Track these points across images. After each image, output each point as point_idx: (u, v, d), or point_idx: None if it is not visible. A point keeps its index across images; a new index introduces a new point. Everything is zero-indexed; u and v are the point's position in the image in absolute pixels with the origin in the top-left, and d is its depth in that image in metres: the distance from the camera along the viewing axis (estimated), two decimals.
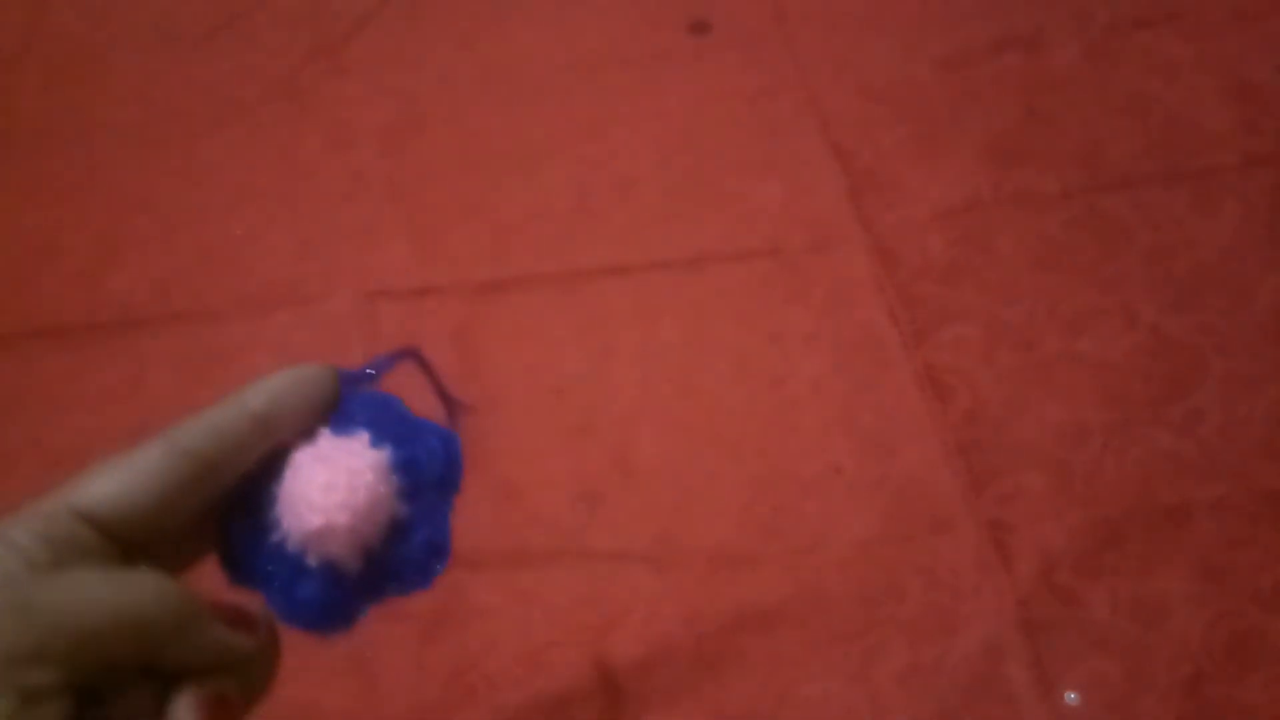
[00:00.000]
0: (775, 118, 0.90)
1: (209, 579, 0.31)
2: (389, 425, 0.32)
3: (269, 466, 0.31)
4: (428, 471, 0.32)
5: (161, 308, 0.82)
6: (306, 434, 0.31)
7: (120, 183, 0.90)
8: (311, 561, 0.30)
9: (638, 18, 0.98)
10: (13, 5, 1.03)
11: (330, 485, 0.30)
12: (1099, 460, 0.71)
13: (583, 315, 0.80)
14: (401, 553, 0.31)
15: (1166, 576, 0.66)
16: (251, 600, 0.31)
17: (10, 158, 0.92)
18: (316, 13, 1.00)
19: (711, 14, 0.97)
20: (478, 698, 0.63)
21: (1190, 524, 0.68)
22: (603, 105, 0.92)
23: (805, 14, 0.97)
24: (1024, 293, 0.78)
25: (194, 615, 0.28)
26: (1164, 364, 0.74)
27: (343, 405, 0.33)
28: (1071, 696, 0.62)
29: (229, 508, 0.31)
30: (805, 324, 0.78)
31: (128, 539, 0.28)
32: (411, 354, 0.35)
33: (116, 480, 0.29)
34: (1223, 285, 0.78)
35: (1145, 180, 0.84)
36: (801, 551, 0.68)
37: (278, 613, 0.31)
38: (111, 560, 0.28)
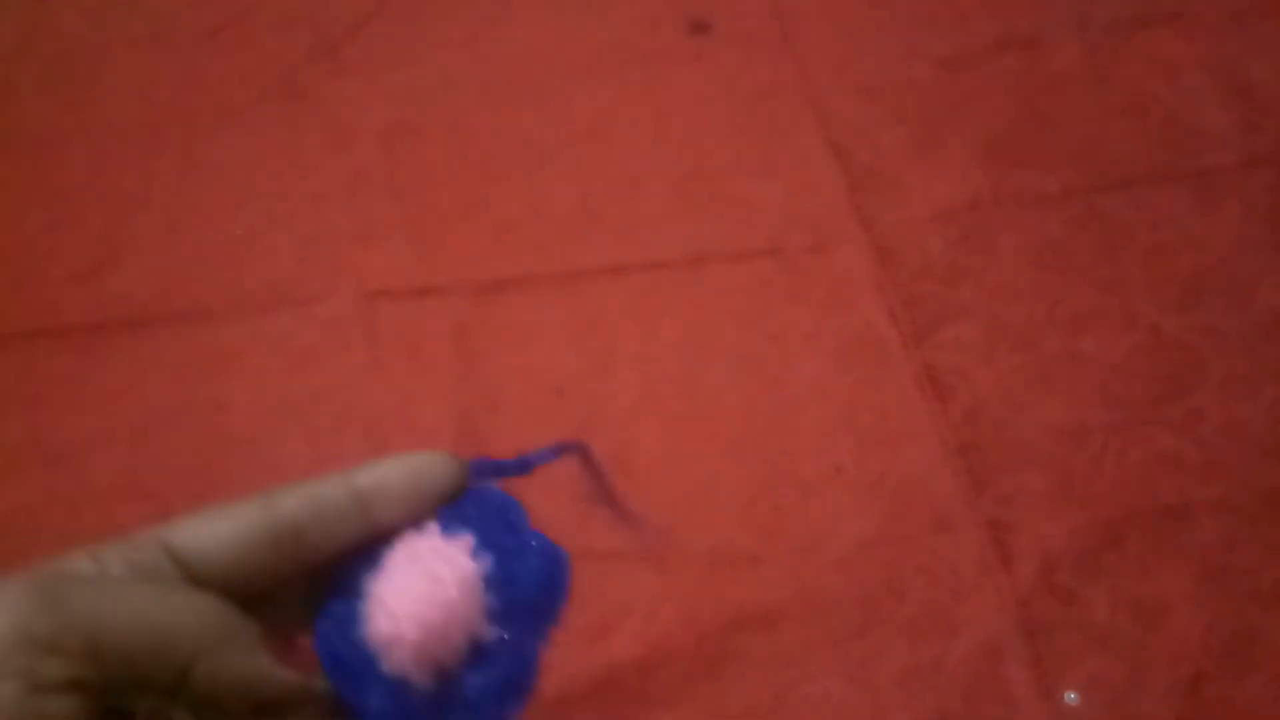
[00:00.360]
0: (775, 118, 0.90)
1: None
2: (497, 533, 0.30)
3: (374, 552, 0.29)
4: (524, 594, 0.29)
5: (161, 308, 0.82)
6: (417, 524, 0.29)
7: (120, 183, 0.90)
8: (384, 668, 0.28)
9: (638, 18, 0.98)
10: (13, 5, 1.03)
11: (407, 592, 0.28)
12: (1099, 460, 0.71)
13: (583, 315, 0.80)
14: (477, 682, 0.29)
15: (1166, 576, 0.66)
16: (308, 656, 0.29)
17: (10, 158, 0.92)
18: (316, 13, 1.00)
19: (711, 14, 0.97)
20: None
21: (1190, 524, 0.68)
22: (603, 105, 0.92)
23: (805, 14, 0.97)
24: (1024, 293, 0.78)
25: (236, 638, 0.27)
26: (1164, 364, 0.74)
27: (462, 501, 0.30)
28: (1071, 696, 0.62)
29: (324, 585, 0.29)
30: (805, 324, 0.78)
31: (206, 584, 0.28)
32: (577, 449, 0.33)
33: (205, 525, 0.29)
34: (1223, 285, 0.78)
35: (1145, 180, 0.84)
36: (801, 551, 0.68)
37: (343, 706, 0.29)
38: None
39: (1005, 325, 0.77)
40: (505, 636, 0.29)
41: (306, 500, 0.29)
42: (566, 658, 0.64)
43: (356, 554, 0.29)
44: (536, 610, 0.29)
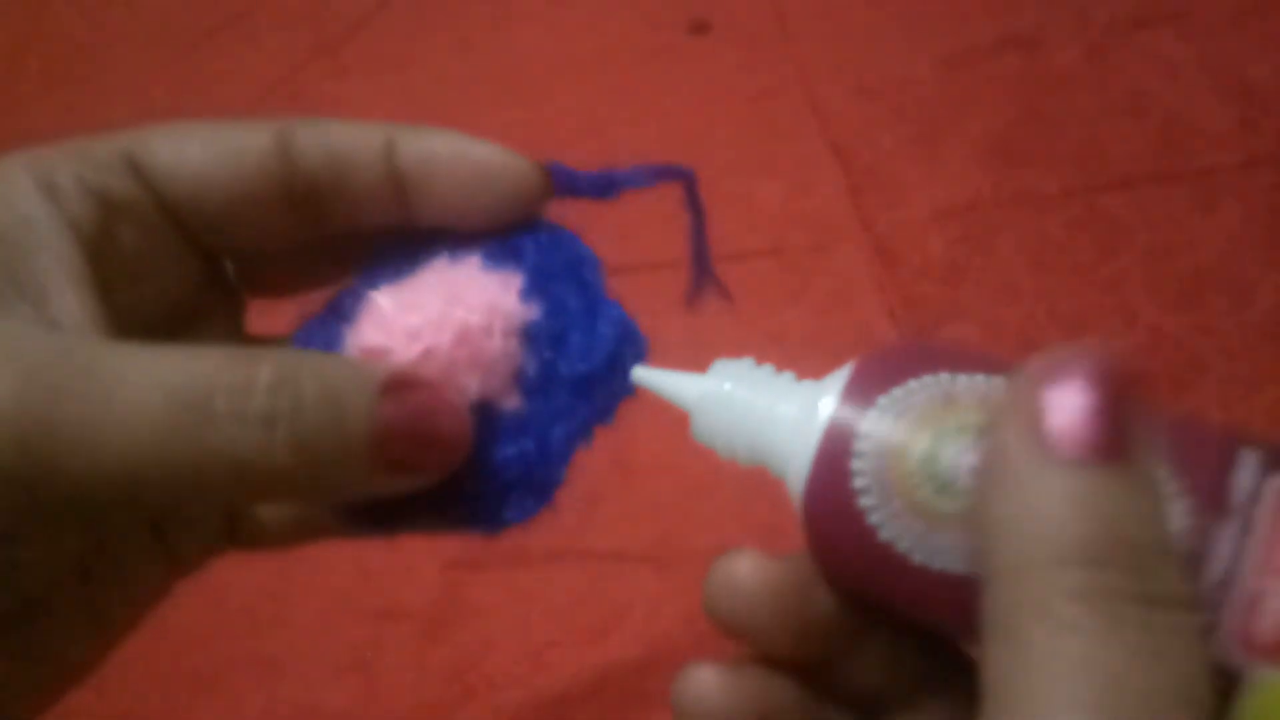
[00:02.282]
0: (775, 118, 0.90)
1: None
2: (559, 285, 0.23)
3: (413, 255, 0.22)
4: (575, 366, 0.22)
5: None
6: (459, 240, 0.21)
7: None
8: None
9: (638, 18, 0.98)
10: (13, 5, 1.03)
11: (416, 305, 0.21)
12: None
13: None
14: (484, 458, 0.21)
15: None
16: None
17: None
18: (316, 13, 1.00)
19: (711, 14, 0.97)
20: (478, 698, 0.63)
21: None
22: (603, 105, 0.92)
23: (805, 14, 0.97)
24: (1024, 293, 0.78)
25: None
26: (1164, 364, 0.74)
27: (521, 236, 0.23)
28: None
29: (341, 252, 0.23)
30: (805, 324, 0.78)
31: (183, 222, 0.23)
32: (683, 176, 0.24)
33: (192, 145, 0.22)
34: (1223, 285, 0.78)
35: (1145, 180, 0.84)
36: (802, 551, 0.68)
37: None
38: (166, 245, 0.23)
39: (1005, 325, 0.77)
40: (534, 413, 0.22)
41: (329, 158, 0.23)
42: (566, 658, 0.64)
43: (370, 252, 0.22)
44: (585, 392, 0.22)
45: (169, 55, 0.98)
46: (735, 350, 0.26)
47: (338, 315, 0.23)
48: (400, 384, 0.20)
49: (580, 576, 0.68)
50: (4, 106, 0.96)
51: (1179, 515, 0.19)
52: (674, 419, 0.26)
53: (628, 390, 0.23)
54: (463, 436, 0.22)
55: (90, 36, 1.00)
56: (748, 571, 0.23)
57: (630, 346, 0.24)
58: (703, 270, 0.25)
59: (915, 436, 0.21)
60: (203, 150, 0.22)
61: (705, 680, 0.23)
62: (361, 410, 0.20)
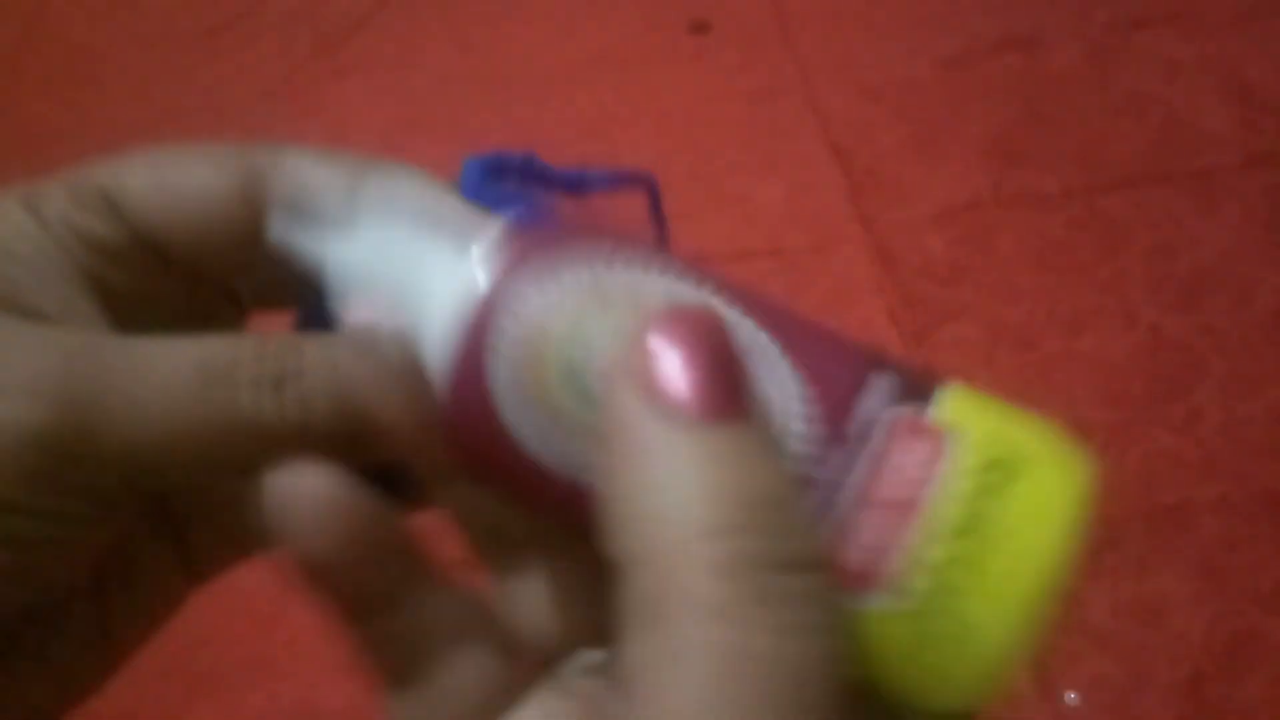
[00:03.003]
0: (775, 118, 0.90)
1: None
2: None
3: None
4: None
5: None
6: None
7: None
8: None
9: (638, 18, 0.98)
10: (13, 5, 1.03)
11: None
12: (1099, 460, 0.70)
13: None
14: None
15: (1166, 576, 0.66)
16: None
17: (10, 158, 0.92)
18: (316, 13, 1.00)
19: (711, 14, 0.97)
20: None
21: (1190, 524, 0.68)
22: (603, 105, 0.92)
23: (805, 14, 0.97)
24: (1024, 293, 0.78)
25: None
26: (1164, 364, 0.74)
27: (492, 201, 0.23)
28: (1071, 696, 0.62)
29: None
30: None
31: (155, 246, 0.23)
32: (644, 181, 0.26)
33: (163, 175, 0.23)
34: (1223, 285, 0.78)
35: (1145, 180, 0.84)
36: None
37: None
38: (154, 278, 0.23)
39: (1005, 325, 0.77)
40: None
41: (299, 190, 0.24)
42: None
43: None
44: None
45: (169, 55, 0.98)
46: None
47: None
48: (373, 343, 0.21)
49: None
50: (4, 106, 0.96)
51: (803, 446, 0.19)
52: None
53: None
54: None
55: (90, 36, 1.00)
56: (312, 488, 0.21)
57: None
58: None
59: (557, 335, 0.20)
60: (168, 191, 0.23)
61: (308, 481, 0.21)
62: (358, 373, 0.21)
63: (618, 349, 0.19)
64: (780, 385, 0.19)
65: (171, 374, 0.20)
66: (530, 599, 0.23)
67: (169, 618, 0.26)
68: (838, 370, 0.20)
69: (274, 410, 0.21)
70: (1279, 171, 0.83)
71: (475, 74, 0.95)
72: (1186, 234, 0.80)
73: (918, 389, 0.20)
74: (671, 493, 0.18)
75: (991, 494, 0.19)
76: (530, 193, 0.24)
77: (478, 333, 0.20)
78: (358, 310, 0.22)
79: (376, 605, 0.21)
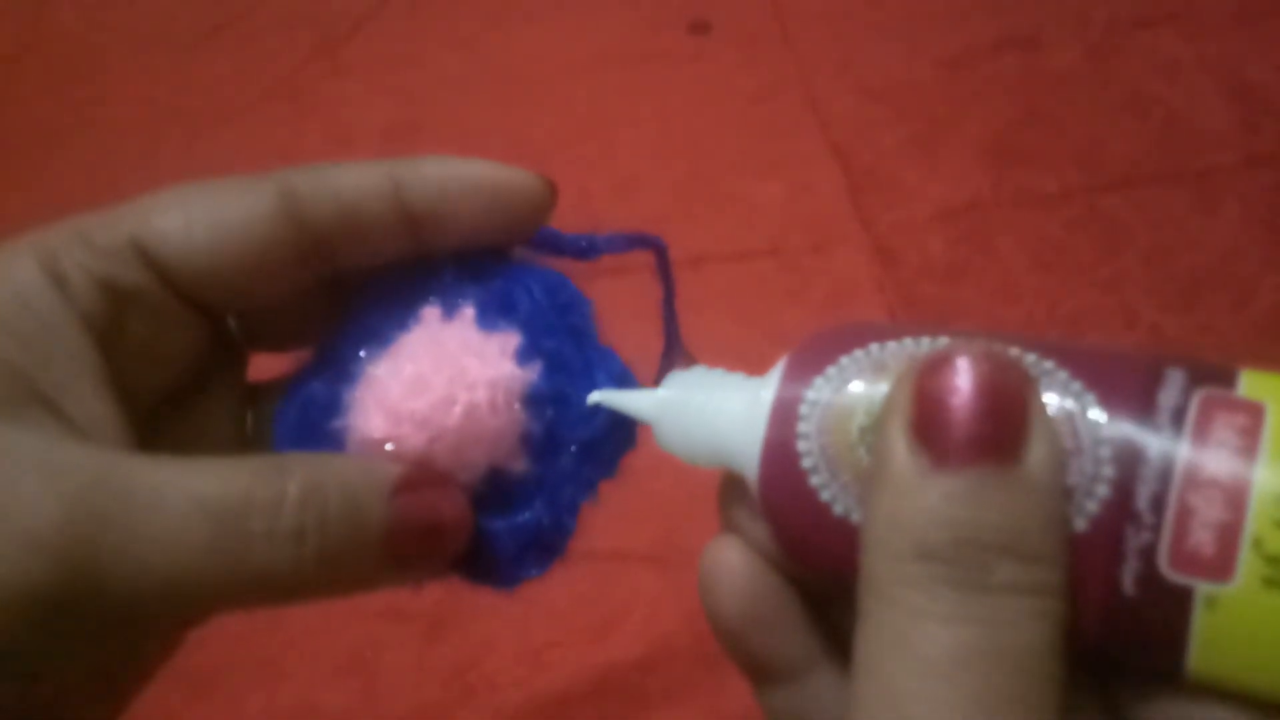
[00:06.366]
0: (775, 118, 0.90)
1: None
2: (554, 336, 0.23)
3: (383, 320, 0.22)
4: (578, 426, 0.22)
5: None
6: (472, 266, 0.21)
7: (120, 183, 0.90)
8: None
9: (638, 18, 0.98)
10: (13, 5, 1.03)
11: (417, 386, 0.21)
12: None
13: None
14: (494, 527, 0.22)
15: None
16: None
17: (10, 158, 0.92)
18: (316, 13, 1.00)
19: (711, 14, 0.97)
20: (478, 698, 0.63)
21: None
22: (603, 105, 0.92)
23: (805, 14, 0.97)
24: (1024, 293, 0.78)
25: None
26: None
27: (510, 278, 0.23)
28: None
29: (348, 295, 0.22)
30: (805, 324, 0.78)
31: (199, 299, 0.23)
32: (653, 245, 0.26)
33: (197, 214, 0.22)
34: (1223, 285, 0.78)
35: (1145, 180, 0.84)
36: None
37: None
38: (175, 325, 0.23)
39: (1005, 325, 0.77)
40: (542, 475, 0.22)
41: (338, 209, 0.23)
42: (566, 658, 0.64)
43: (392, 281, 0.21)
44: (590, 449, 0.23)
45: (169, 55, 0.98)
46: (735, 353, 0.26)
47: (336, 372, 0.23)
48: (409, 484, 0.21)
49: (580, 576, 0.68)
50: (4, 106, 0.96)
51: (1105, 434, 0.19)
52: None
53: (630, 444, 0.24)
54: (465, 524, 0.22)
55: (90, 36, 1.00)
56: (738, 561, 0.23)
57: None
58: (671, 345, 0.27)
59: (853, 408, 0.21)
60: (209, 228, 0.22)
61: (733, 555, 0.23)
62: (377, 515, 0.21)
63: (887, 401, 0.20)
64: (1074, 397, 0.20)
65: (179, 523, 0.20)
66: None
67: (170, 657, 0.26)
68: (1127, 369, 0.20)
69: (290, 565, 0.21)
70: (1279, 171, 0.83)
71: (475, 74, 0.95)
72: (1186, 234, 0.80)
73: (1217, 374, 0.20)
74: (904, 519, 0.18)
75: None
76: (541, 261, 0.24)
77: (784, 442, 0.21)
78: (379, 420, 0.22)
79: (779, 674, 0.23)
